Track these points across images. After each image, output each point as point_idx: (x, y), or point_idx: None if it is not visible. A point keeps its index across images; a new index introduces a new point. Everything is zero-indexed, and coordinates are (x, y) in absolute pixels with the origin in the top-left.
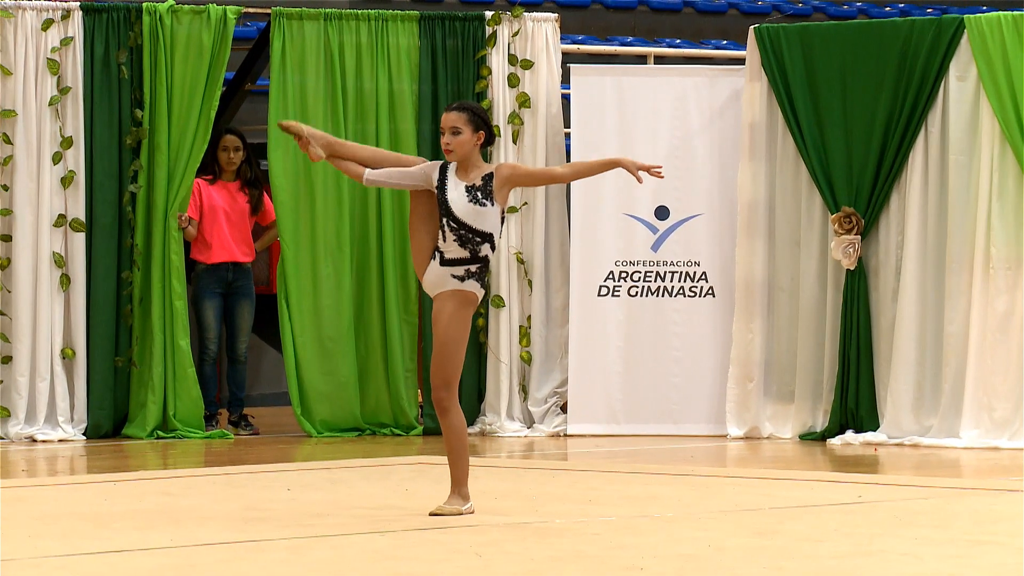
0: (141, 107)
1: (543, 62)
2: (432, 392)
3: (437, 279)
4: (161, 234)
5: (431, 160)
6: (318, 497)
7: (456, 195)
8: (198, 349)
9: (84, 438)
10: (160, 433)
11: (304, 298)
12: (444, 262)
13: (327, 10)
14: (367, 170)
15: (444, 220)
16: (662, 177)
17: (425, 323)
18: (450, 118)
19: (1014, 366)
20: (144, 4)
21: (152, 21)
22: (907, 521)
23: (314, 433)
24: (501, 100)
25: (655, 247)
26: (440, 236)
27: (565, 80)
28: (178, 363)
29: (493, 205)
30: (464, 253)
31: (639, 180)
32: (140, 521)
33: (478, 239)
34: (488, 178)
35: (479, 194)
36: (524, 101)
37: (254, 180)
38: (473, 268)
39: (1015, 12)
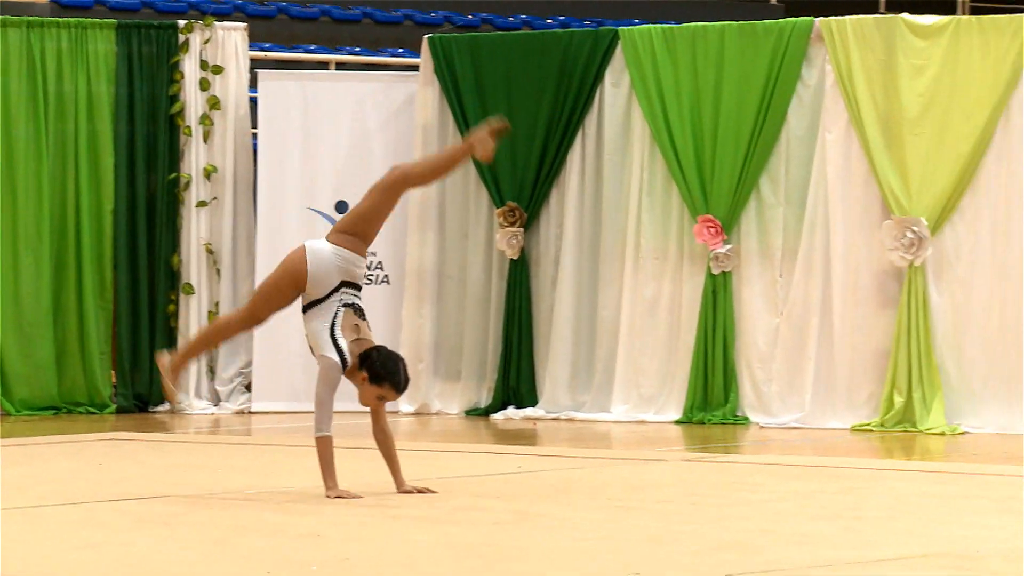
0: None
1: (232, 68)
2: None
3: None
4: None
5: None
6: (17, 472)
7: None
8: None
9: None
10: None
11: (5, 286)
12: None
13: (30, 18)
14: None
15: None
16: None
17: (120, 308)
18: None
19: (660, 347)
20: None
21: None
22: (563, 489)
23: (13, 412)
24: (193, 103)
25: None
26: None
27: (253, 84)
28: None
29: None
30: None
31: None
32: None
33: None
34: None
35: None
36: (215, 104)
37: None
38: None
39: (664, 25)
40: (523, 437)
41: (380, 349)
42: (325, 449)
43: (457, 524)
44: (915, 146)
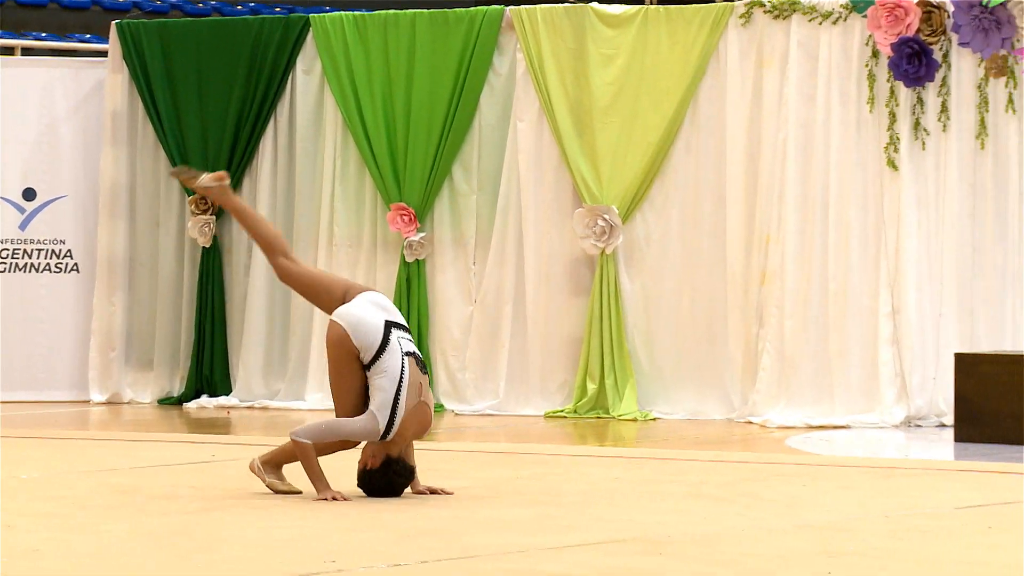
0: None
1: None
2: None
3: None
4: None
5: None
6: None
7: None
8: None
9: None
10: None
11: None
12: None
13: None
14: None
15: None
16: None
17: None
18: None
19: None
20: None
21: None
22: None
23: None
24: None
25: (23, 226)
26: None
27: None
28: None
29: None
30: None
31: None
32: None
33: None
34: None
35: None
36: None
37: None
38: None
39: (356, 12)
40: (217, 426)
41: (395, 468)
42: (308, 454)
43: (150, 514)
44: (605, 135)
